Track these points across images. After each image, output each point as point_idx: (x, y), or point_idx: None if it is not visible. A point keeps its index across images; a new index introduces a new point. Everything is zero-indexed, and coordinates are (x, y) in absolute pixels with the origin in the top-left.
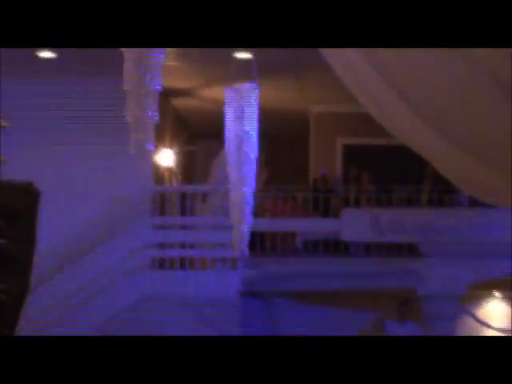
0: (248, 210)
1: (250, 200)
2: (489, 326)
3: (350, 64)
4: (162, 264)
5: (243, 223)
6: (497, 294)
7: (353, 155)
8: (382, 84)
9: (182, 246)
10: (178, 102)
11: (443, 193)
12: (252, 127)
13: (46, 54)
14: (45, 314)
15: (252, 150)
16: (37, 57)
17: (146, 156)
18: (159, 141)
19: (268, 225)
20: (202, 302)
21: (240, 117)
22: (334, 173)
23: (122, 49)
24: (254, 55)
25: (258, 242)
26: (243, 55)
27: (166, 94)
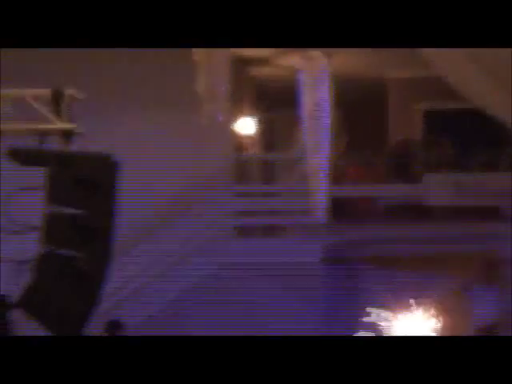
0: (325, 176)
1: (327, 167)
2: None
3: None
4: (243, 232)
5: (321, 190)
6: None
7: (431, 120)
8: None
9: (264, 213)
10: (256, 70)
11: None
12: (327, 94)
13: None
14: (128, 283)
15: (327, 116)
16: None
17: (225, 125)
18: (237, 109)
19: (348, 191)
20: (283, 269)
21: (314, 84)
22: (413, 138)
23: None
24: None
25: (339, 209)
26: None
27: (243, 63)
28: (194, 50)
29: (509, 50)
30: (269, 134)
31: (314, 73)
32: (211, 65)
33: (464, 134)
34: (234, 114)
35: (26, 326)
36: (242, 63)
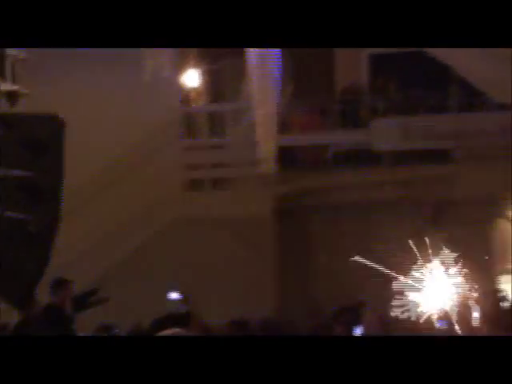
0: (274, 126)
1: (276, 116)
2: None
3: None
4: (193, 185)
5: (269, 139)
6: None
7: (378, 64)
8: None
9: (213, 165)
10: None
11: (472, 97)
12: None
13: None
14: (83, 239)
15: (275, 65)
16: None
17: (171, 78)
18: (183, 62)
19: (297, 140)
20: (235, 221)
21: None
22: (360, 83)
23: None
24: None
25: (288, 157)
26: None
27: None
28: None
29: None
30: (215, 85)
31: None
32: None
33: (410, 78)
34: (179, 67)
35: None
36: None
